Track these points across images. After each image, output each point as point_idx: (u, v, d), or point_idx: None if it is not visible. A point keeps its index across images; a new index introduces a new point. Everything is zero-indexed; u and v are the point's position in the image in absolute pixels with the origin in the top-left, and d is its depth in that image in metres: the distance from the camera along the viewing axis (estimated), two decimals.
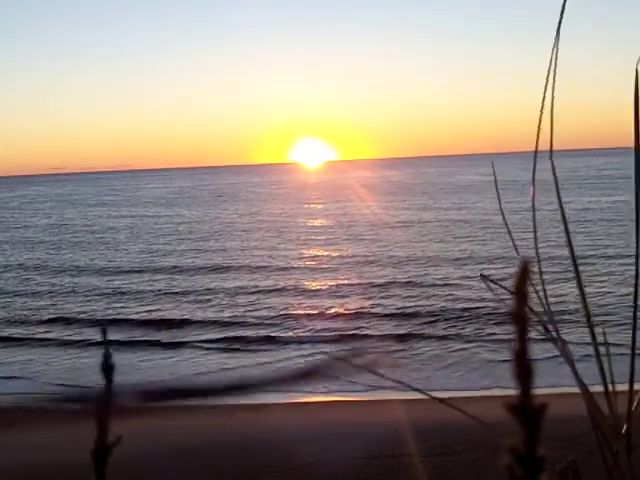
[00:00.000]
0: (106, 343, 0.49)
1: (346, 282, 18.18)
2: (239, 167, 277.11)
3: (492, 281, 1.23)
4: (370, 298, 16.17)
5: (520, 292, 0.37)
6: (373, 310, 14.98)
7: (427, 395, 1.20)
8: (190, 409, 9.82)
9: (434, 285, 17.13)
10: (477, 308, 14.29)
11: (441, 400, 1.18)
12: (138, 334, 13.86)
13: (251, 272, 20.42)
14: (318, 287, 17.97)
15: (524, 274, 0.37)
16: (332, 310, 15.20)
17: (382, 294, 16.50)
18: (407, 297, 15.99)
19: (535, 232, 1.18)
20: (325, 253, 24.00)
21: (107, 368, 0.49)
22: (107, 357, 0.49)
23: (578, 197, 40.28)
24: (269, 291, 17.49)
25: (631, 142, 1.11)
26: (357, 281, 18.17)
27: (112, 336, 13.69)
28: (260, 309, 15.59)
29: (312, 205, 47.41)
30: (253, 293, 17.31)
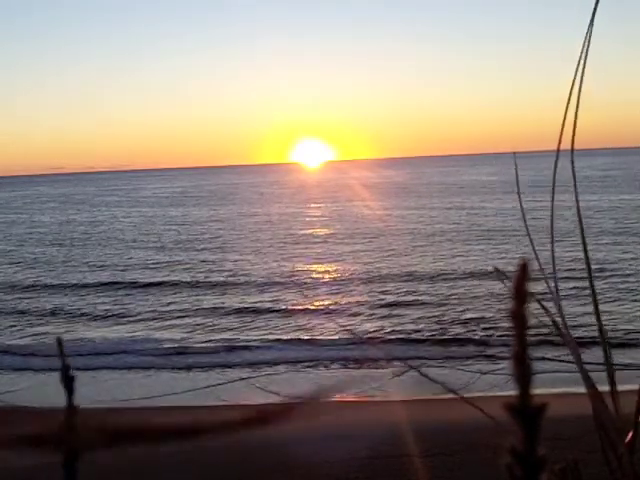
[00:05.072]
0: (63, 355, 0.48)
1: (352, 300, 17.20)
2: (241, 167, 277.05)
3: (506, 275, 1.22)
4: (376, 319, 15.30)
5: (519, 291, 0.37)
6: (377, 333, 14.09)
7: (447, 389, 1.19)
8: (189, 410, 9.81)
9: (445, 304, 16.16)
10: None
11: (463, 398, 1.18)
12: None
13: (252, 288, 19.21)
14: (321, 305, 17.00)
15: (523, 273, 0.37)
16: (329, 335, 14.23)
17: (388, 314, 15.61)
18: (415, 318, 15.16)
19: (552, 235, 1.17)
20: (328, 268, 22.50)
21: (67, 379, 0.48)
22: (66, 369, 0.48)
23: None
24: (266, 311, 16.46)
25: (627, 142, 1.11)
26: (362, 299, 17.19)
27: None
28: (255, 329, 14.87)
29: (314, 212, 46.32)
30: (247, 312, 16.33)
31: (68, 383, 0.48)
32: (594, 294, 1.06)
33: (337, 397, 10.32)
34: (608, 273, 17.90)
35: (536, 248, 1.20)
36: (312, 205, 49.24)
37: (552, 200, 1.13)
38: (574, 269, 15.01)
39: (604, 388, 1.04)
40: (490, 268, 19.78)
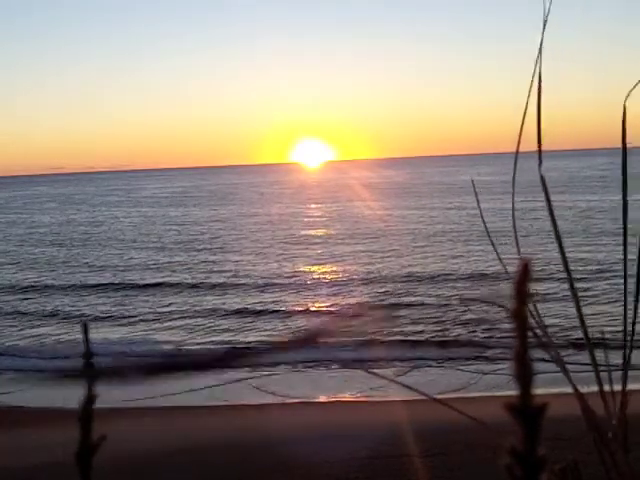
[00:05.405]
0: (87, 340, 0.48)
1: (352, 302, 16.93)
2: (241, 167, 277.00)
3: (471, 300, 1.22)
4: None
5: (520, 291, 0.37)
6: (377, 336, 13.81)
7: (426, 396, 1.20)
8: (189, 410, 9.82)
9: (446, 305, 15.89)
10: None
11: (439, 401, 1.18)
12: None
13: (252, 289, 19.01)
14: (321, 307, 16.87)
15: (524, 273, 0.37)
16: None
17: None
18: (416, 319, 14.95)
19: (516, 235, 1.17)
20: (329, 268, 22.20)
21: (88, 365, 0.48)
22: (88, 355, 0.48)
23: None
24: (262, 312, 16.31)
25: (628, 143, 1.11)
26: (362, 300, 16.94)
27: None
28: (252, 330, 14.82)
29: (314, 212, 45.99)
30: (247, 314, 16.15)
31: (89, 371, 0.48)
32: (576, 295, 1.06)
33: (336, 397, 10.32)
34: (609, 274, 17.81)
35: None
36: (312, 205, 49.22)
37: (512, 200, 1.13)
38: (574, 270, 14.89)
39: (605, 389, 1.04)
40: (492, 269, 19.77)
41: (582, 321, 1.03)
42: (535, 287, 1.07)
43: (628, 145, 1.10)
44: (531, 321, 1.06)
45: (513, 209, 1.13)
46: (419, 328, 14.32)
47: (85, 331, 0.47)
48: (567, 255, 1.12)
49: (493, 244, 1.15)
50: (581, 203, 36.01)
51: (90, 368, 0.48)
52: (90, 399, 0.47)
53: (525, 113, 1.06)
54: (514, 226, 1.17)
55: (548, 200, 1.07)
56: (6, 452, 7.35)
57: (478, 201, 1.12)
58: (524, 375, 0.38)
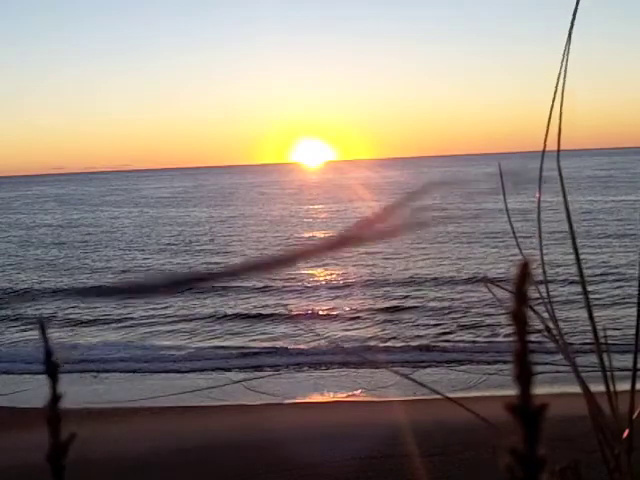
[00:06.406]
0: (45, 339, 0.47)
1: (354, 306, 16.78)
2: (241, 167, 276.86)
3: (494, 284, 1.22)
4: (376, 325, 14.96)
5: (520, 292, 0.37)
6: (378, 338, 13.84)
7: (437, 393, 1.20)
8: (189, 410, 9.82)
9: (447, 307, 15.87)
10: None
11: (450, 399, 1.18)
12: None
13: (252, 291, 18.97)
14: (321, 309, 16.77)
15: (524, 274, 0.37)
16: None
17: (389, 318, 15.34)
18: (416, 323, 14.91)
19: (540, 235, 1.17)
20: (329, 270, 21.89)
21: (51, 366, 0.47)
22: (49, 354, 0.47)
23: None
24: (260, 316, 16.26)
25: (628, 143, 1.11)
26: (363, 302, 16.91)
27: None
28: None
29: (315, 213, 45.84)
30: (247, 316, 16.17)
31: (52, 370, 0.47)
32: (587, 297, 1.06)
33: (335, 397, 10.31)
34: (612, 277, 17.63)
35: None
36: (313, 206, 49.19)
37: (539, 202, 1.12)
38: (574, 272, 14.75)
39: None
40: (493, 271, 19.75)
41: (592, 323, 1.03)
42: (551, 289, 1.06)
43: (632, 146, 1.10)
44: (548, 323, 1.06)
45: (539, 210, 1.13)
46: (421, 330, 14.32)
47: (43, 331, 0.46)
48: (568, 257, 1.13)
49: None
50: (582, 204, 35.92)
51: (53, 367, 0.47)
52: (55, 399, 0.47)
53: (551, 114, 1.05)
54: (538, 225, 1.16)
55: (565, 199, 1.07)
56: (6, 452, 7.35)
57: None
58: (524, 375, 0.38)
